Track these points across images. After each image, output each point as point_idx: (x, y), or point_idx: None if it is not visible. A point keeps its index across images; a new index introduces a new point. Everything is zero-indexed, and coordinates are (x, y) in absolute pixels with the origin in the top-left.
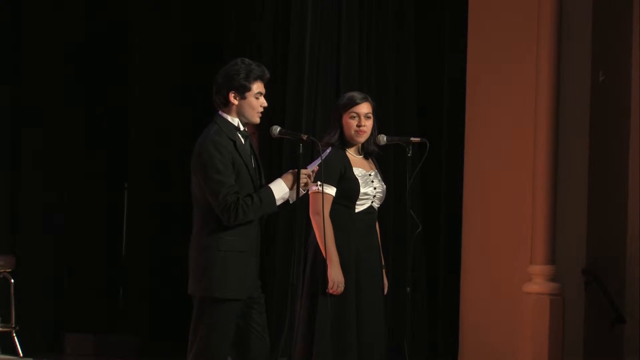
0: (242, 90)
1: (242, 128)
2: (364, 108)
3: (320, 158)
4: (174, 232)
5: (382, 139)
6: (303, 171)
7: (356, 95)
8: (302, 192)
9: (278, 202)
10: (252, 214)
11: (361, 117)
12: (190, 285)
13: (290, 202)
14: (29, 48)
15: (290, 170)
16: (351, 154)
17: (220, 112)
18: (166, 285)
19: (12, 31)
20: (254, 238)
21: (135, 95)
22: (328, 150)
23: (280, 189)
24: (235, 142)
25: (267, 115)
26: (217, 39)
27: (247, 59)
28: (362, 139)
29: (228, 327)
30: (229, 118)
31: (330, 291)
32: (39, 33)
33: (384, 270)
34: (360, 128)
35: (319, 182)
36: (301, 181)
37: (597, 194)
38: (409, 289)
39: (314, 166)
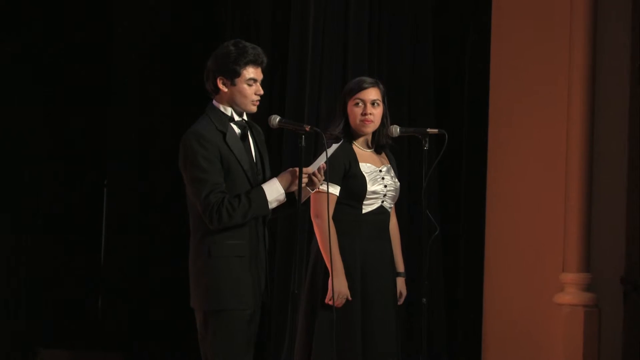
0: (231, 76)
1: (237, 118)
2: (371, 94)
3: (325, 153)
4: (157, 238)
5: (395, 130)
6: (304, 170)
7: (364, 79)
8: (309, 192)
9: (272, 205)
10: (239, 217)
11: (367, 105)
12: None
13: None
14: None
15: (289, 169)
16: (358, 147)
17: (213, 101)
18: (149, 295)
19: None
20: (255, 241)
21: (117, 90)
22: (334, 145)
23: (274, 190)
24: (225, 134)
25: (265, 104)
26: (213, 22)
27: (242, 41)
28: (369, 129)
29: (236, 340)
30: (222, 107)
31: (330, 302)
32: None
33: (402, 279)
34: (366, 117)
35: None
36: (303, 181)
37: (637, 194)
38: (425, 299)
39: (319, 163)
